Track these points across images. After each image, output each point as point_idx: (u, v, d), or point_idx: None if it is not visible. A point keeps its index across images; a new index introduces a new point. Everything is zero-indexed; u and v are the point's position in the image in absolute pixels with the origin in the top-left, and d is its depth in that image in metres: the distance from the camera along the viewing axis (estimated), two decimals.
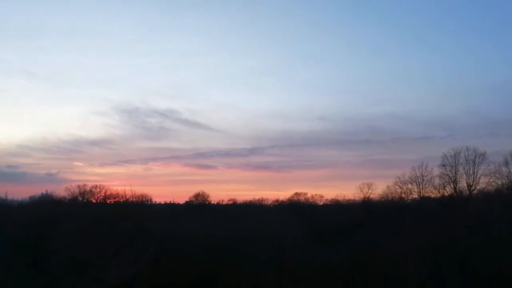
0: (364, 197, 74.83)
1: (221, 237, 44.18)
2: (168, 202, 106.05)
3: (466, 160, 52.88)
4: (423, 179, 57.85)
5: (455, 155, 53.71)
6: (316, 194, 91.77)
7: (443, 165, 54.35)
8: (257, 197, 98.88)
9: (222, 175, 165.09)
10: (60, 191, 73.29)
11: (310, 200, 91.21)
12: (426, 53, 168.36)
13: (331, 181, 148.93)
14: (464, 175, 53.14)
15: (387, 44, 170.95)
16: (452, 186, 54.23)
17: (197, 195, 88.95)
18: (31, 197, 78.26)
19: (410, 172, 58.87)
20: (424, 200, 57.41)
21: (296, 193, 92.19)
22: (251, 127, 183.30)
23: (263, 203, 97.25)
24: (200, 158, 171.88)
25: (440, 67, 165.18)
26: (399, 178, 60.78)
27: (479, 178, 52.00)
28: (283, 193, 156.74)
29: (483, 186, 52.24)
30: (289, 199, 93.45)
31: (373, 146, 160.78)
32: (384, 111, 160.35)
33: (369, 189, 74.79)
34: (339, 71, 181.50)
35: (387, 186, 66.52)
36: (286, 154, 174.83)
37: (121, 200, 58.77)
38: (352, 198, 79.29)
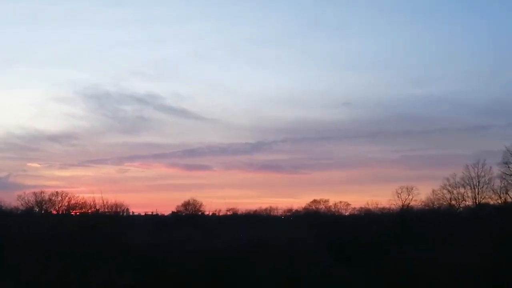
0: (403, 205, 75.19)
1: (218, 256, 44.49)
2: (150, 213, 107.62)
3: None
4: (479, 181, 57.99)
5: None
6: (340, 202, 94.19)
7: (505, 163, 54.28)
8: (263, 206, 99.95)
9: (218, 178, 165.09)
10: (11, 199, 76.03)
11: (333, 210, 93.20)
12: (475, 18, 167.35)
13: (360, 184, 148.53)
14: None
15: (428, 7, 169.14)
16: None
17: (186, 204, 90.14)
18: None
19: (462, 172, 59.37)
20: (480, 208, 57.19)
21: (314, 201, 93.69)
22: (255, 116, 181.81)
23: (271, 213, 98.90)
24: (190, 157, 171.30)
25: (493, 35, 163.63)
26: (448, 180, 61.12)
27: None
28: (298, 201, 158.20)
29: None
30: (305, 209, 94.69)
31: (413, 139, 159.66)
32: (428, 94, 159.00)
33: (409, 195, 75.20)
34: (368, 42, 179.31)
35: (433, 191, 66.97)
36: (301, 150, 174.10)
37: (89, 211, 58.45)
38: (387, 206, 79.89)
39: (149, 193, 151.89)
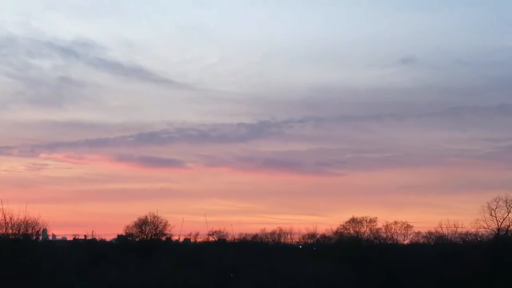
0: (499, 229, 75.14)
1: None
2: (81, 237, 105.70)
3: None
4: None
5: None
6: (395, 223, 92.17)
7: None
8: (269, 228, 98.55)
9: (195, 181, 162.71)
10: None
11: (384, 235, 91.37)
12: None
13: (428, 193, 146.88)
14: None
15: None
16: None
17: (142, 224, 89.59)
18: None
19: None
20: None
21: (352, 220, 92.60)
22: (256, 80, 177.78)
23: (282, 240, 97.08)
24: (150, 145, 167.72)
25: None
26: None
27: None
28: (325, 220, 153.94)
29: None
30: (337, 233, 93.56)
31: None
32: None
33: (509, 212, 74.51)
34: None
35: None
36: (332, 136, 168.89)
37: None
38: (474, 230, 79.82)
39: (81, 204, 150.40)
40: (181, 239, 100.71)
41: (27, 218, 59.44)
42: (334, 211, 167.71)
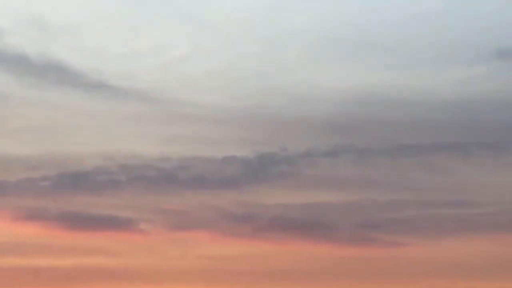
0: None
1: None
2: None
3: None
4: None
5: None
6: None
7: None
8: None
9: (154, 254, 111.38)
10: None
11: None
12: None
13: None
14: None
15: None
16: None
17: None
18: None
19: None
20: None
21: None
22: (256, 85, 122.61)
23: None
24: (77, 192, 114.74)
25: None
26: None
27: None
28: None
29: None
30: None
31: None
32: None
33: None
34: None
35: None
36: (386, 179, 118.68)
37: None
38: None
39: None
40: None
41: None
42: None
